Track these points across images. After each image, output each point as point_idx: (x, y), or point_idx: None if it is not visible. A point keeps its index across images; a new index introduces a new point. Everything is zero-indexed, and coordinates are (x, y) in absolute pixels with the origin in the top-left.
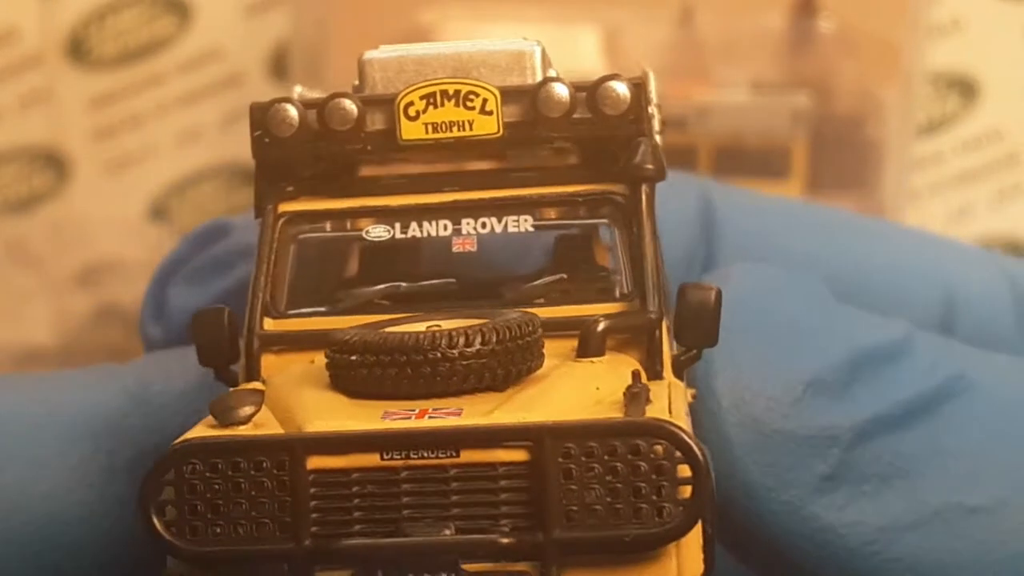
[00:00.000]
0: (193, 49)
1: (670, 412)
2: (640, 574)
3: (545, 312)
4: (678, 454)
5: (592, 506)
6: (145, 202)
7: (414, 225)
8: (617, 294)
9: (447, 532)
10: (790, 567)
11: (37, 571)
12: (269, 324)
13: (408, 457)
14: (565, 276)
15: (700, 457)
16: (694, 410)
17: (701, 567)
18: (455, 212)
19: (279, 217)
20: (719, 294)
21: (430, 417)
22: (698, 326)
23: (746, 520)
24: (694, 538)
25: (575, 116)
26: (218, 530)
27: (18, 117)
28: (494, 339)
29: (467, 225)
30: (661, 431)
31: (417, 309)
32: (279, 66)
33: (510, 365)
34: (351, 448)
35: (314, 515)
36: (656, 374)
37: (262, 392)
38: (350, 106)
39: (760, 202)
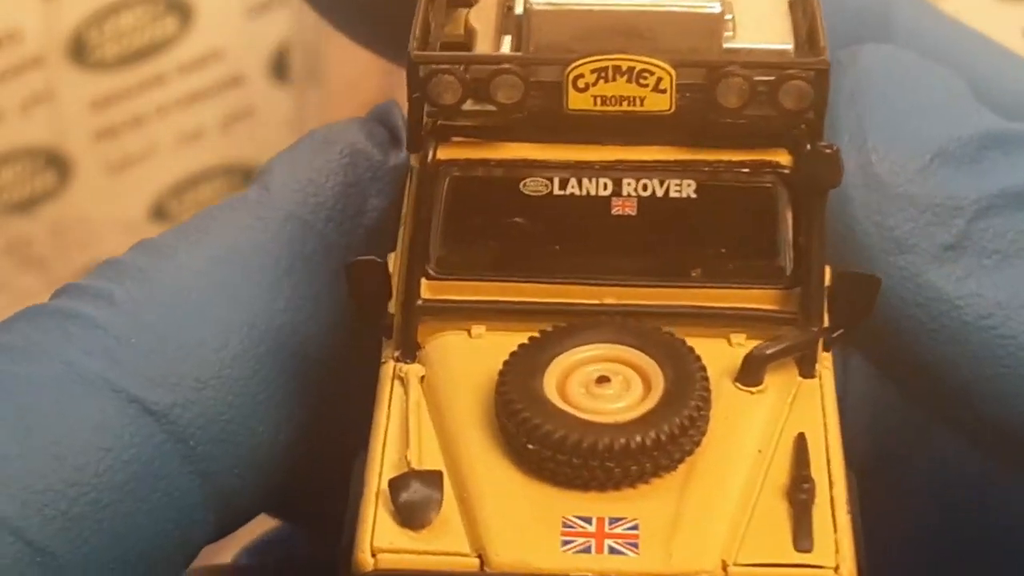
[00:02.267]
0: (194, 50)
1: (834, 521)
2: None
3: (700, 298)
4: None
5: None
6: (147, 203)
7: (573, 182)
8: (776, 278)
9: None
10: (900, 337)
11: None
12: (426, 288)
13: None
14: (724, 251)
15: None
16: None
17: None
18: (615, 172)
19: (438, 164)
20: (878, 283)
21: (609, 548)
22: (853, 311)
23: None
24: None
25: (753, 104)
26: None
27: (20, 118)
28: (664, 436)
29: (628, 186)
30: None
31: (576, 273)
32: (279, 66)
33: (681, 452)
34: None
35: None
36: (809, 373)
37: (441, 476)
38: (518, 82)
39: (944, 20)
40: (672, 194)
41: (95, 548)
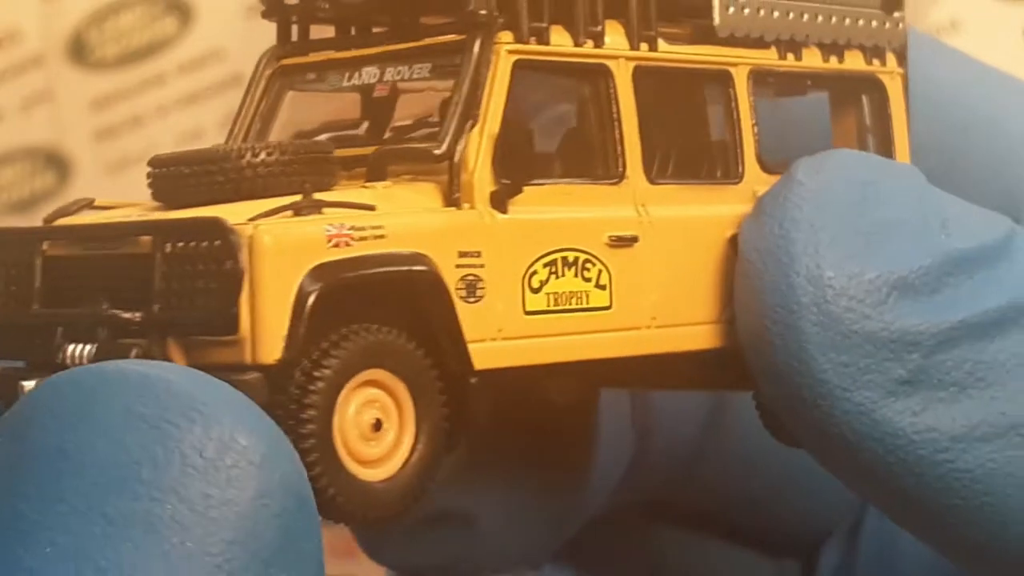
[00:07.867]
0: (194, 50)
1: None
2: (220, 350)
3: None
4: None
5: (179, 292)
6: None
7: (353, 74)
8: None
9: (104, 307)
10: (861, 470)
11: None
12: None
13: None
14: (431, 119)
15: (240, 251)
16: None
17: (279, 353)
18: (380, 61)
19: (268, 65)
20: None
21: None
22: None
23: (819, 420)
24: (269, 325)
25: None
26: None
27: (19, 118)
28: (263, 156)
29: (390, 73)
30: (212, 229)
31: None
32: None
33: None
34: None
35: (41, 290)
36: (453, 202)
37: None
38: None
39: (960, 60)
40: (415, 76)
41: None
